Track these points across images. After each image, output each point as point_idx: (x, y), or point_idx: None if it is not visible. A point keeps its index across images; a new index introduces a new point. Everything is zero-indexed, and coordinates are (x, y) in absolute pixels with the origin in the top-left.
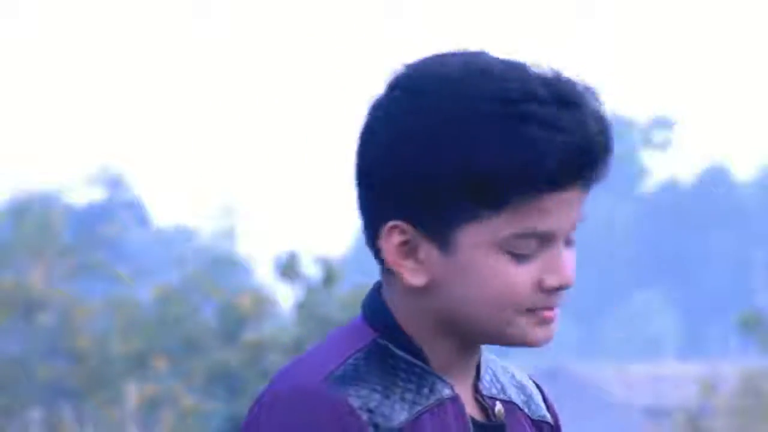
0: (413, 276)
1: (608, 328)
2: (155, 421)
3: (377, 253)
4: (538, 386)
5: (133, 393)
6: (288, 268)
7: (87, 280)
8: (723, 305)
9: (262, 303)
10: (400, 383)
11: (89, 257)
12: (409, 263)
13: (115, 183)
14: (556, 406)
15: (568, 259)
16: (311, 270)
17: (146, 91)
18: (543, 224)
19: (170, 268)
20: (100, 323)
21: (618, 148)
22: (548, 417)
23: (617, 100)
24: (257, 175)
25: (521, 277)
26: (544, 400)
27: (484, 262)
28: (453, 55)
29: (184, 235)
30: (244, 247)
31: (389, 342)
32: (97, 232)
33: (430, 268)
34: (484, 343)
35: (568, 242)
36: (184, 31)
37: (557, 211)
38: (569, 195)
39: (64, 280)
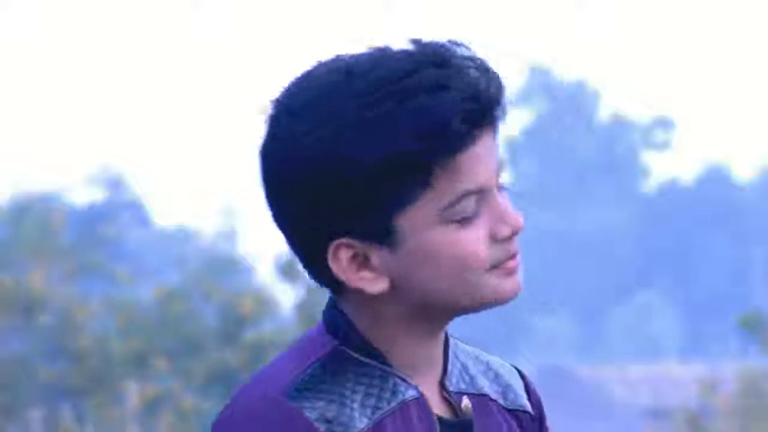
0: (374, 284)
1: (608, 329)
2: (155, 421)
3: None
4: (521, 374)
5: (133, 393)
6: (288, 269)
7: (87, 280)
8: (724, 305)
9: (263, 303)
10: (361, 389)
11: (89, 257)
12: (366, 274)
13: (115, 183)
14: (539, 394)
15: (509, 205)
16: None
17: (147, 92)
18: (471, 182)
19: (171, 269)
20: (100, 323)
21: (618, 148)
22: (528, 406)
23: (618, 100)
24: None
25: (473, 237)
26: (526, 389)
27: (432, 239)
28: (317, 66)
29: (184, 235)
30: (245, 248)
31: (349, 348)
32: (97, 232)
33: (388, 270)
34: (461, 314)
35: (500, 189)
36: (184, 31)
37: (478, 164)
38: (482, 144)
39: (64, 281)
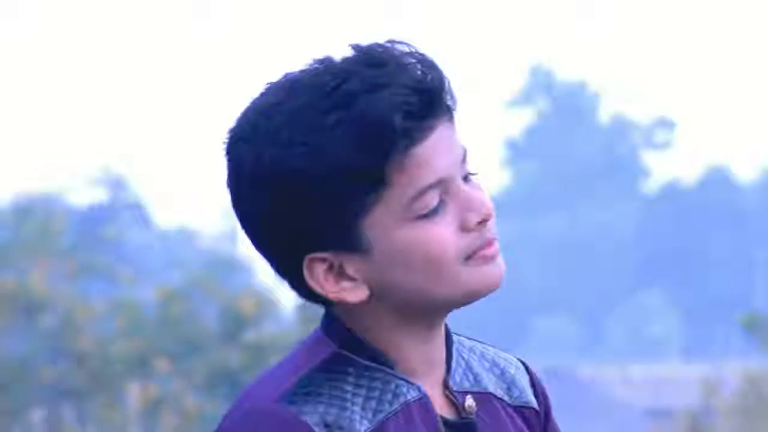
0: (354, 294)
1: (610, 329)
2: (157, 422)
3: (304, 292)
4: (527, 369)
5: (134, 394)
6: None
7: (88, 281)
8: (725, 306)
9: (264, 304)
10: (362, 392)
11: (91, 258)
12: (344, 284)
13: (116, 184)
14: (547, 390)
15: (476, 192)
16: None
17: (148, 92)
18: (430, 175)
19: (172, 269)
20: (101, 324)
21: (619, 148)
22: (533, 403)
23: (618, 100)
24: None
25: (441, 230)
26: (532, 384)
27: (402, 238)
28: (265, 89)
29: (185, 236)
30: (246, 249)
31: (349, 351)
32: (98, 233)
33: (365, 277)
34: (451, 309)
35: (467, 179)
36: (186, 32)
37: (434, 156)
38: (435, 137)
39: (65, 281)
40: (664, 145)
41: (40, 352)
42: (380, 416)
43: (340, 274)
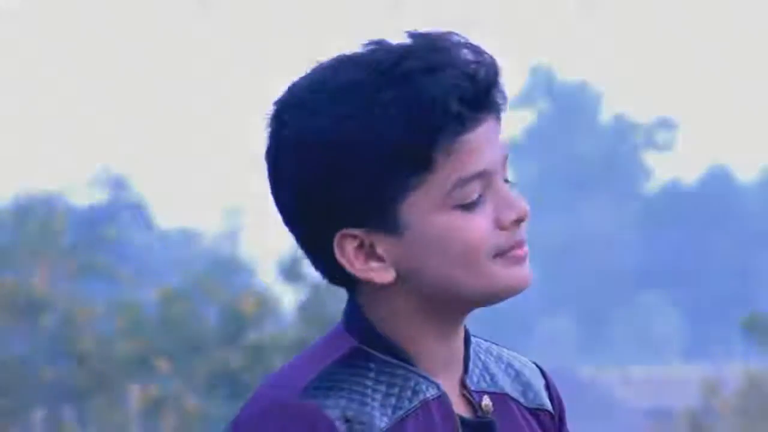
0: (382, 275)
1: (611, 330)
2: (157, 422)
3: (329, 269)
4: (542, 372)
5: (135, 394)
6: (291, 270)
7: (89, 282)
8: (726, 307)
9: (265, 305)
10: (382, 388)
11: (91, 258)
12: (373, 264)
13: (117, 184)
14: (560, 393)
15: (514, 192)
16: (314, 271)
17: (148, 93)
18: (474, 165)
19: (173, 270)
20: (102, 325)
21: (620, 149)
22: (548, 405)
23: (619, 101)
24: (260, 176)
25: (478, 223)
26: (547, 387)
27: (438, 224)
28: (317, 66)
29: (186, 237)
30: (247, 249)
31: (369, 347)
32: (99, 234)
33: (394, 259)
34: (474, 307)
35: (506, 181)
36: (187, 32)
37: (481, 148)
38: (483, 129)
39: (66, 282)
40: (665, 146)
41: (41, 352)
42: (399, 413)
43: (371, 254)
